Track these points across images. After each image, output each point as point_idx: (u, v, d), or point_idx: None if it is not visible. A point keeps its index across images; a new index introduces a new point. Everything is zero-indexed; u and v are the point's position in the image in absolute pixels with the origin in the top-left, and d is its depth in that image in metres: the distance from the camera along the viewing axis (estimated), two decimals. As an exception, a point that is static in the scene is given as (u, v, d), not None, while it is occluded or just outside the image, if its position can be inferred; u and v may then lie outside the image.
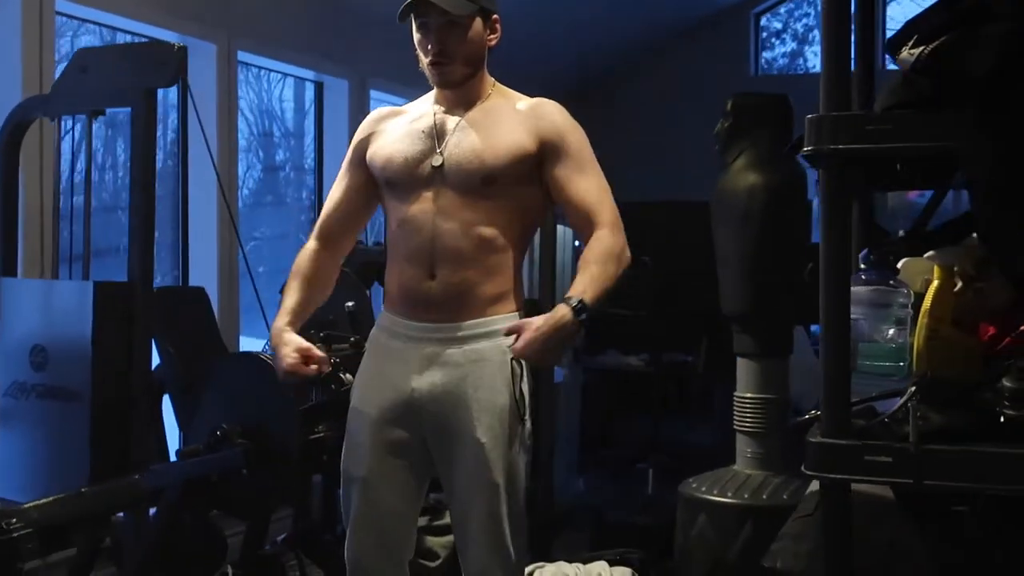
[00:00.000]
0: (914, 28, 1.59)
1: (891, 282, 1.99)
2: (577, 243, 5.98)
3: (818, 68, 1.58)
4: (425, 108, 2.44)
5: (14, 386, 3.25)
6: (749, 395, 3.54)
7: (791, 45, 8.45)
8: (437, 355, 2.33)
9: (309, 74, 5.54)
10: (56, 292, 3.28)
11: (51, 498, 2.73)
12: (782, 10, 8.25)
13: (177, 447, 3.31)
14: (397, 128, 2.44)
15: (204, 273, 4.55)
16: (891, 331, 2.00)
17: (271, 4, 4.96)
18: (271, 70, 5.63)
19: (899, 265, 2.07)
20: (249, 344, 4.70)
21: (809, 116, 1.57)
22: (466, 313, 2.33)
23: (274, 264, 5.87)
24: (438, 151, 2.34)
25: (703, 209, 3.69)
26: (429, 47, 2.32)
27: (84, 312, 3.09)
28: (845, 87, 1.56)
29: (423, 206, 2.33)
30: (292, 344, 2.35)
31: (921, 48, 1.51)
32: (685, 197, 5.82)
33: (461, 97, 2.39)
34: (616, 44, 7.34)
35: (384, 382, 2.37)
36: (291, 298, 2.45)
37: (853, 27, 2.35)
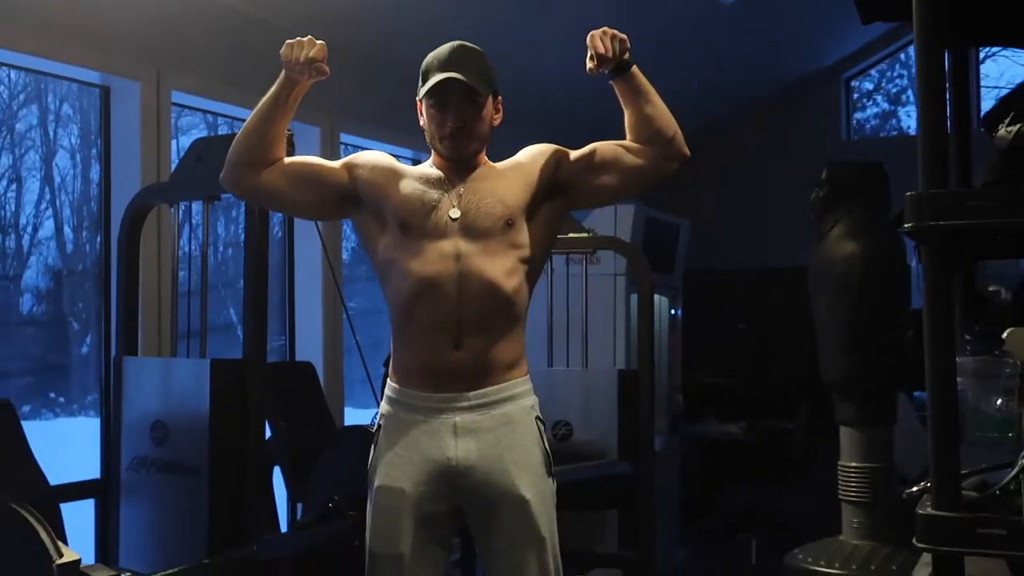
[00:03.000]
0: (1010, 106, 1.63)
1: (996, 352, 2.01)
2: (673, 311, 6.01)
3: (912, 129, 1.62)
4: (427, 169, 2.52)
5: (136, 460, 3.38)
6: (853, 464, 3.51)
7: (883, 106, 8.42)
8: (467, 423, 2.36)
9: (408, 154, 5.72)
10: (175, 369, 3.43)
11: (174, 569, 2.83)
12: (874, 72, 8.24)
13: (287, 519, 3.40)
14: (406, 174, 2.49)
15: (310, 347, 4.70)
16: (999, 401, 2.01)
17: (369, 89, 5.15)
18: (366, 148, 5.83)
19: (1004, 335, 2.07)
20: (354, 415, 4.81)
21: (909, 193, 1.60)
22: (490, 380, 2.38)
23: (369, 338, 6.01)
24: (453, 204, 2.41)
25: (799, 275, 3.70)
26: (448, 123, 2.42)
27: (201, 389, 3.22)
28: (943, 164, 1.60)
29: (444, 266, 2.35)
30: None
31: (1019, 126, 1.54)
32: (779, 262, 5.82)
33: (464, 167, 2.48)
34: (708, 109, 7.42)
35: (414, 456, 2.37)
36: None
37: (948, 87, 2.39)
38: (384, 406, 2.45)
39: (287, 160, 2.51)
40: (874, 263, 3.43)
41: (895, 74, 8.33)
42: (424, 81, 2.43)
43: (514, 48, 5.16)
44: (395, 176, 2.47)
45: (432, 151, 2.52)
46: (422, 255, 2.36)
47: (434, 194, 2.42)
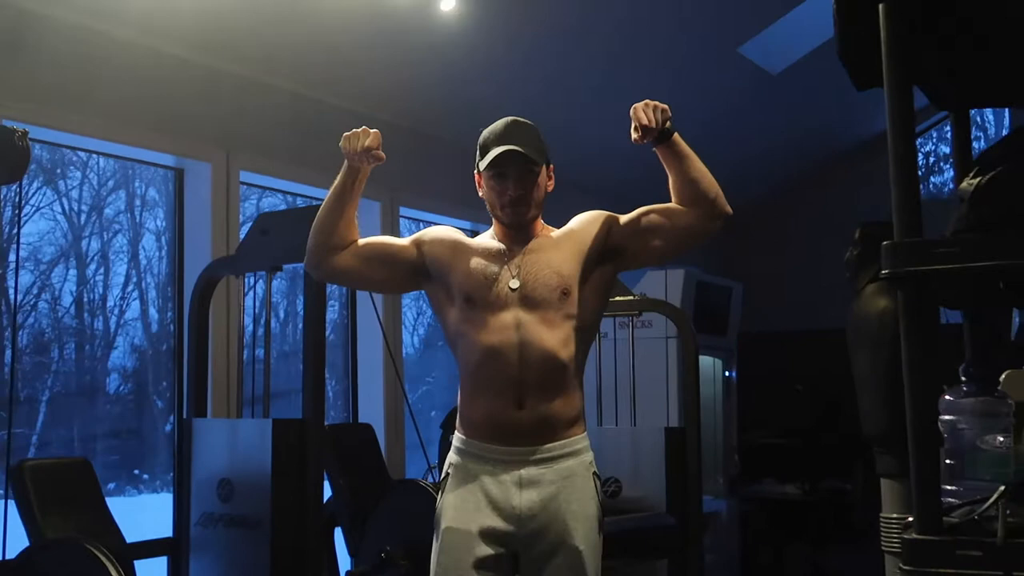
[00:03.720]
0: (977, 161, 1.78)
1: (996, 393, 2.11)
2: (727, 372, 6.10)
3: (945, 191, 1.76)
4: (488, 241, 2.66)
5: (204, 516, 3.59)
6: (895, 516, 3.58)
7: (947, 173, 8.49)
8: (532, 476, 2.52)
9: (467, 224, 5.96)
10: (240, 430, 3.64)
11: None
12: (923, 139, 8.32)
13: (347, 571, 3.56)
14: (468, 248, 2.62)
15: (373, 412, 4.90)
16: (999, 439, 2.11)
17: (425, 163, 5.41)
18: (425, 221, 6.08)
19: (1001, 378, 2.18)
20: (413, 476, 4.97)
21: (884, 243, 1.76)
22: (552, 436, 2.54)
23: (445, 407, 6.22)
24: (513, 275, 2.56)
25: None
26: (508, 192, 2.59)
27: (264, 447, 3.42)
28: (915, 216, 1.75)
29: (505, 336, 2.52)
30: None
31: (979, 179, 1.69)
32: (833, 323, 5.88)
33: (523, 234, 2.64)
34: (762, 177, 7.55)
35: (481, 503, 2.51)
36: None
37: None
38: (453, 456, 2.60)
39: (361, 242, 2.65)
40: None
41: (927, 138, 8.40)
42: (483, 154, 2.59)
43: (565, 126, 5.37)
44: (458, 250, 2.61)
45: (493, 220, 2.66)
46: (486, 326, 2.52)
47: (495, 267, 2.58)
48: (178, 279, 4.38)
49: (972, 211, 1.75)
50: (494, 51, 4.88)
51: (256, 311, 3.96)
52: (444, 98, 5.16)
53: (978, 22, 1.98)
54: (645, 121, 2.48)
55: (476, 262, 2.58)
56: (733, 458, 5.72)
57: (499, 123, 2.63)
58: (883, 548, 3.57)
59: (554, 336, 2.53)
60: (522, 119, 2.64)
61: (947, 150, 8.44)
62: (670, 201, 2.64)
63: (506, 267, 2.57)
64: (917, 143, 8.06)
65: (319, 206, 2.69)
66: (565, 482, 2.53)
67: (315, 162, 4.74)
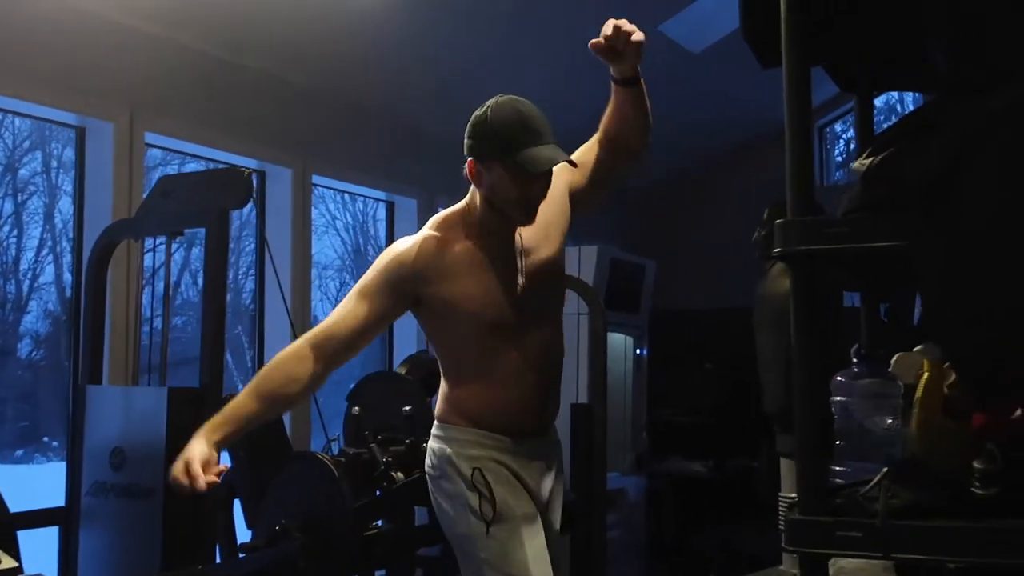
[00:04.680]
0: (870, 141, 1.77)
1: (885, 374, 2.12)
2: (639, 350, 6.13)
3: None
4: (478, 243, 2.49)
5: (95, 486, 3.49)
6: (793, 496, 3.60)
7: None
8: (548, 463, 2.59)
9: (381, 195, 5.87)
10: (135, 398, 3.55)
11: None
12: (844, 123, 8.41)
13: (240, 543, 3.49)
14: (464, 263, 2.46)
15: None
16: (888, 421, 2.12)
17: (343, 133, 5.31)
18: (344, 191, 5.98)
19: (892, 360, 2.19)
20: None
21: (777, 221, 1.74)
22: (552, 425, 2.64)
23: (348, 379, 6.15)
24: (521, 281, 2.50)
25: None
26: (538, 195, 2.45)
27: (159, 415, 3.34)
28: (809, 195, 1.74)
29: (530, 340, 2.49)
30: (188, 454, 2.36)
31: (871, 159, 1.68)
32: (744, 303, 5.94)
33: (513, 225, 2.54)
34: (680, 154, 7.56)
35: (523, 493, 2.49)
36: (240, 407, 2.45)
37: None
38: (473, 450, 2.48)
39: (327, 348, 2.44)
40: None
41: (883, 120, 8.49)
42: (514, 148, 2.36)
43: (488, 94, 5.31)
44: (443, 278, 2.45)
45: (479, 206, 2.48)
46: (510, 338, 2.47)
47: (506, 282, 2.47)
48: (77, 242, 4.24)
49: (864, 191, 1.74)
50: (418, 15, 4.79)
51: (154, 277, 3.86)
52: (365, 63, 5.06)
53: (877, 5, 1.98)
54: (613, 37, 2.36)
55: (488, 283, 2.46)
56: (641, 436, 5.75)
57: (523, 111, 2.40)
58: (780, 528, 3.60)
59: (558, 331, 2.59)
60: (530, 103, 2.45)
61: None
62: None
63: (511, 269, 2.49)
64: (837, 129, 8.12)
65: (219, 169, 2.60)
66: (558, 467, 2.64)
67: (225, 126, 4.62)
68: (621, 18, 2.38)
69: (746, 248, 5.62)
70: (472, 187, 2.49)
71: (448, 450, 2.49)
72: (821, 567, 1.71)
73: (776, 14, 1.79)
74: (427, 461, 2.58)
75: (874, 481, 1.77)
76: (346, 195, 6.15)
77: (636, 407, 5.84)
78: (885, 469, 1.77)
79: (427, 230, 2.52)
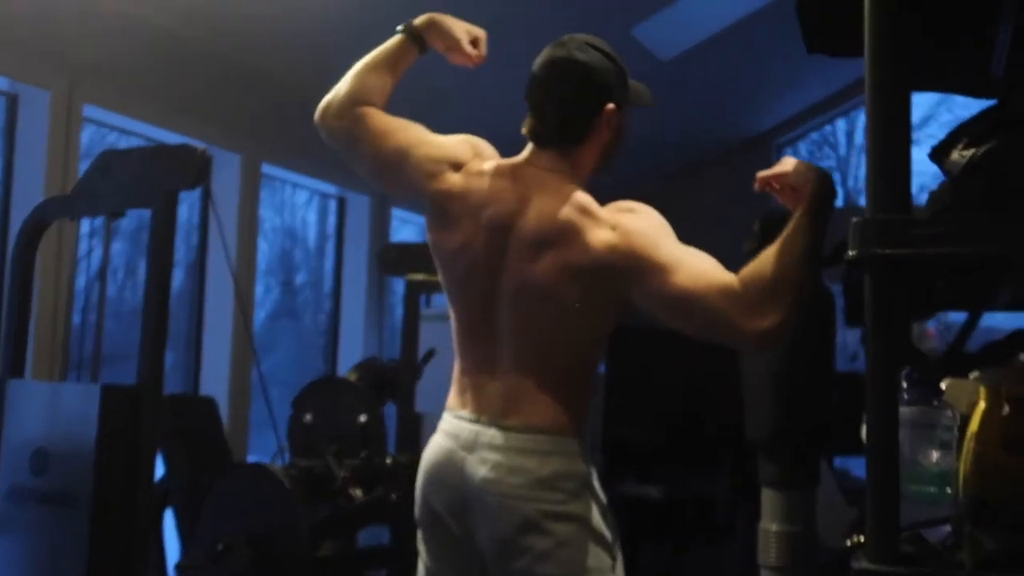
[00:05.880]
0: (962, 132, 1.53)
1: (935, 403, 1.90)
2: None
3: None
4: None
5: (13, 490, 3.14)
6: (775, 527, 3.39)
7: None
8: None
9: (332, 189, 5.55)
10: (62, 395, 3.20)
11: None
12: (803, 148, 8.30)
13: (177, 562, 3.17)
14: None
15: (216, 385, 4.48)
16: (936, 454, 1.89)
17: (297, 119, 4.99)
18: (295, 184, 5.66)
19: (943, 386, 1.97)
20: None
21: (854, 219, 1.49)
22: None
23: (290, 385, 5.81)
24: None
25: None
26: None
27: (89, 415, 3.00)
28: (893, 189, 1.48)
29: None
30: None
31: (973, 150, 1.44)
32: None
33: None
34: (644, 167, 7.38)
35: None
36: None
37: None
38: (587, 466, 2.06)
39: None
40: (804, 317, 3.34)
41: (822, 155, 8.38)
42: (633, 88, 2.20)
43: (447, 93, 5.06)
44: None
45: (601, 166, 2.22)
46: None
47: None
48: (3, 220, 3.87)
49: (956, 189, 1.50)
50: (384, 5, 4.49)
51: (92, 261, 3.51)
52: (327, 49, 4.74)
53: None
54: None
55: None
56: (595, 455, 5.49)
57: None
58: (760, 562, 3.38)
59: None
60: None
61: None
62: None
63: None
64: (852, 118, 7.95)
65: (168, 146, 2.26)
66: None
67: (172, 101, 4.28)
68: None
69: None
70: (588, 153, 2.16)
71: (589, 471, 2.04)
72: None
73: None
74: (544, 482, 1.99)
75: (954, 527, 1.54)
76: (274, 194, 5.84)
77: (592, 426, 5.58)
78: (965, 513, 1.53)
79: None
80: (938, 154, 1.58)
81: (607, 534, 2.03)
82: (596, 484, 2.05)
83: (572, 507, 1.99)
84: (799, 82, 7.26)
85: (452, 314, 2.13)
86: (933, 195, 1.54)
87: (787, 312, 1.84)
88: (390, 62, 2.16)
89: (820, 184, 1.86)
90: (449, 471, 2.02)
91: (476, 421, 2.02)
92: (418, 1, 4.88)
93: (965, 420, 1.81)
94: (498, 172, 2.11)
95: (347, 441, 3.39)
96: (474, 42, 2.18)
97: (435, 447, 2.07)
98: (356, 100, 2.13)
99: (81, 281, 3.44)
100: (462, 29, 2.18)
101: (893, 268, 1.47)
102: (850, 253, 1.50)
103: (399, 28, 2.18)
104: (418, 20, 2.18)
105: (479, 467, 1.98)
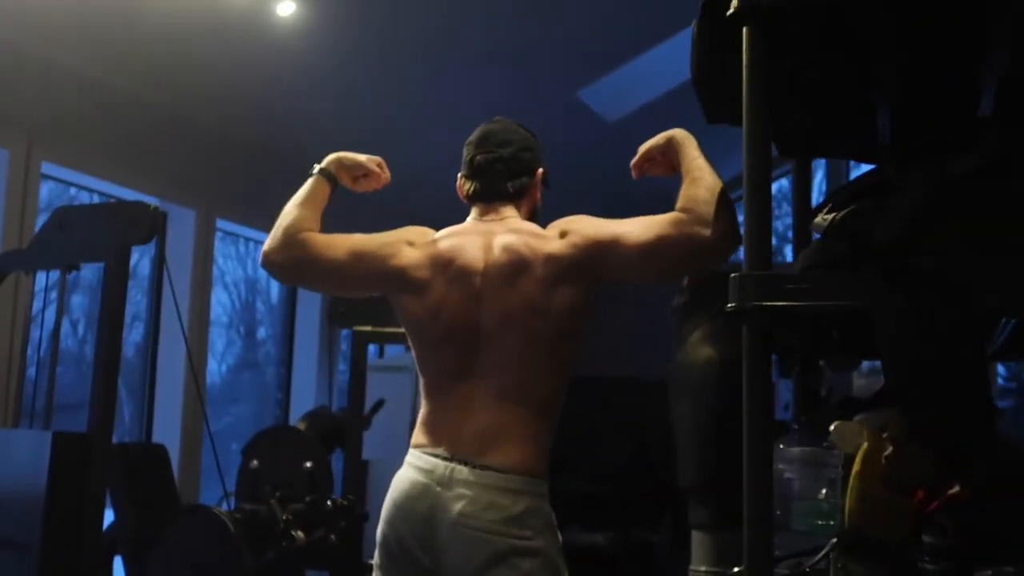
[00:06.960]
0: (830, 198, 1.71)
1: (824, 444, 2.06)
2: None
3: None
4: None
5: (-38, 535, 3.21)
6: (704, 568, 3.52)
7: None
8: None
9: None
10: (13, 441, 3.29)
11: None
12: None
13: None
14: None
15: (169, 433, 4.57)
16: (824, 491, 2.05)
17: (251, 175, 5.14)
18: (248, 238, 5.79)
19: (831, 428, 2.13)
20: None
21: (732, 274, 1.66)
22: None
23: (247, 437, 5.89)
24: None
25: (666, 385, 3.75)
26: None
27: (40, 461, 3.09)
28: (767, 249, 1.66)
29: None
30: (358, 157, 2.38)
31: (833, 215, 1.62)
32: (652, 374, 5.90)
33: None
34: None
35: None
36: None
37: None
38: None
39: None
40: (732, 367, 3.48)
41: (783, 211, 8.61)
42: None
43: (389, 152, 5.23)
44: None
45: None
46: None
47: None
48: (-39, 273, 3.97)
49: (823, 248, 1.68)
50: (334, 63, 4.67)
51: (47, 314, 3.62)
52: (277, 107, 4.91)
53: (816, 76, 1.94)
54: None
55: None
56: (543, 503, 5.58)
57: None
58: (690, 600, 3.51)
59: None
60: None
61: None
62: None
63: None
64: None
65: (121, 202, 2.41)
66: None
67: (129, 159, 4.42)
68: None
69: (651, 317, 5.61)
70: (525, 209, 2.39)
71: (551, 510, 2.25)
72: (769, 643, 1.61)
73: (725, 73, 1.74)
74: (515, 519, 2.15)
75: (823, 553, 1.70)
76: (237, 247, 5.95)
77: (539, 474, 5.68)
78: (834, 540, 1.69)
79: None
80: (811, 216, 1.76)
81: (563, 569, 2.21)
82: (554, 522, 2.24)
83: (537, 543, 2.16)
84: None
85: (427, 362, 2.27)
86: (803, 254, 1.72)
87: (732, 211, 2.10)
88: (311, 198, 2.35)
89: (679, 136, 2.30)
90: (421, 504, 2.14)
91: (451, 459, 2.15)
92: (354, 72, 5.06)
93: (850, 460, 1.97)
94: (453, 233, 2.30)
95: (293, 487, 3.50)
96: (379, 165, 2.40)
97: (406, 481, 2.18)
98: (295, 230, 2.30)
99: (37, 333, 3.54)
100: (365, 157, 2.40)
101: (766, 318, 1.65)
102: (729, 305, 1.67)
103: (311, 172, 2.37)
104: (325, 161, 2.38)
105: (455, 502, 2.11)
